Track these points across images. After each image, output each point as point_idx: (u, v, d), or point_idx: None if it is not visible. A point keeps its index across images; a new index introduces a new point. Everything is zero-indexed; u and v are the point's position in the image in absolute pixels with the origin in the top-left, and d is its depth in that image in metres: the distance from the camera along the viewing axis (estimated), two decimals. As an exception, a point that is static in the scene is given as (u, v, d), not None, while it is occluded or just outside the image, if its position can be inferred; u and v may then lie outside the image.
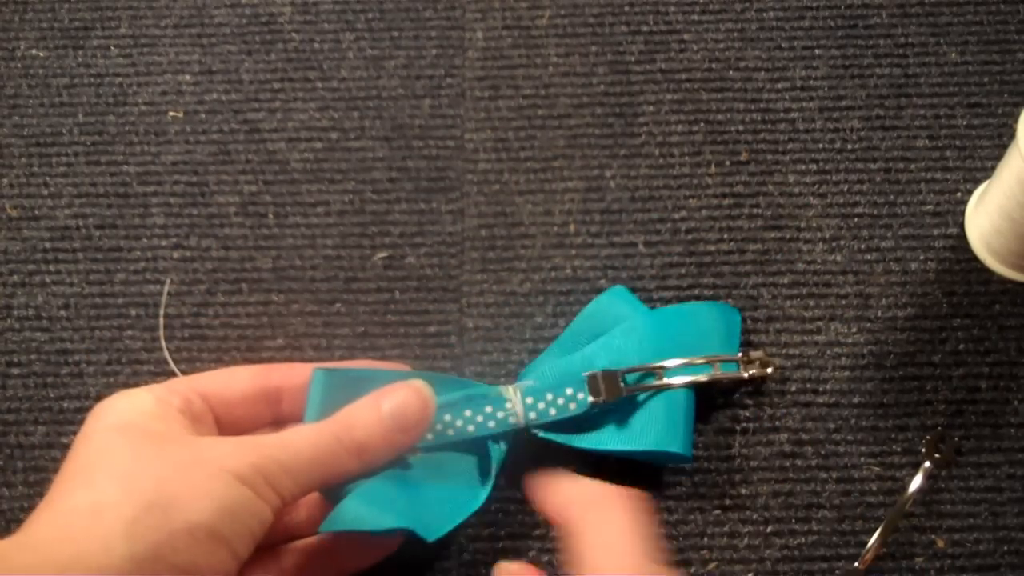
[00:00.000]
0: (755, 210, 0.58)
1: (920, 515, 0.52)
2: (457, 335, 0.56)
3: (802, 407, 0.54)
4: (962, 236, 0.57)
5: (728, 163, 0.59)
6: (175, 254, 0.58)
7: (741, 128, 0.60)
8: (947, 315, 0.56)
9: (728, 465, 0.53)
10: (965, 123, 0.60)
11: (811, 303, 0.56)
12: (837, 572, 0.51)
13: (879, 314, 0.56)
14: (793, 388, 0.54)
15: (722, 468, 0.53)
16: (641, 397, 0.49)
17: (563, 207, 0.58)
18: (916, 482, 0.52)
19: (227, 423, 0.45)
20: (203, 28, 0.63)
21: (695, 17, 0.63)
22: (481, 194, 0.59)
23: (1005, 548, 0.51)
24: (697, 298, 0.56)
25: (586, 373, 0.48)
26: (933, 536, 0.51)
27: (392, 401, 0.43)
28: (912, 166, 0.59)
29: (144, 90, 0.62)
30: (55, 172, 0.60)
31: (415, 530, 0.43)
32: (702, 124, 0.60)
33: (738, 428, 0.54)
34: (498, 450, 0.47)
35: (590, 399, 0.47)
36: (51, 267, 0.58)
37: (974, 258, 0.57)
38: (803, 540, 0.52)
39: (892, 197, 0.58)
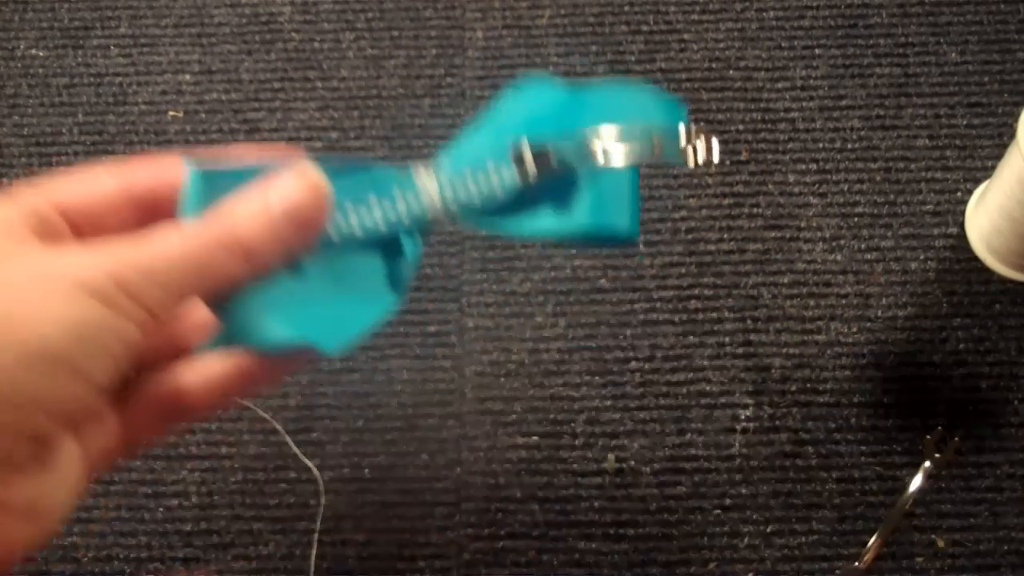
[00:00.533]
0: (755, 210, 0.58)
1: (920, 515, 0.52)
2: (457, 335, 0.56)
3: (802, 407, 0.54)
4: (962, 236, 0.57)
5: (728, 163, 0.59)
6: (175, 254, 0.58)
7: (741, 127, 0.60)
8: (947, 315, 0.56)
9: (728, 465, 0.53)
10: (965, 123, 0.60)
11: (811, 303, 0.56)
12: (837, 572, 0.51)
13: (879, 314, 0.56)
14: (793, 388, 0.54)
15: (722, 468, 0.53)
16: (577, 173, 0.42)
17: (563, 207, 0.58)
18: (916, 482, 0.52)
19: (90, 236, 0.38)
20: (203, 28, 0.63)
21: (695, 17, 0.63)
22: (481, 194, 0.59)
23: (1005, 548, 0.51)
24: (697, 297, 0.56)
25: (510, 144, 0.41)
26: (933, 536, 0.51)
27: (281, 192, 0.36)
28: (912, 166, 0.59)
29: (144, 90, 0.62)
30: (55, 172, 0.60)
31: (314, 342, 0.38)
32: (702, 124, 0.60)
33: (738, 428, 0.54)
34: (412, 245, 0.41)
35: (516, 175, 0.41)
36: (51, 267, 0.58)
37: (974, 258, 0.57)
38: (803, 540, 0.52)
39: (892, 197, 0.58)
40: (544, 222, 0.42)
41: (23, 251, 0.34)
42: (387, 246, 0.41)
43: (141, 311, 0.33)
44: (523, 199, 0.41)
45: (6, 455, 0.31)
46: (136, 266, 0.33)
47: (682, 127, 0.42)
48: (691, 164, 0.42)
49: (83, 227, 0.37)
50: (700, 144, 0.42)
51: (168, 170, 0.38)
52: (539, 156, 0.40)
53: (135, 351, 0.33)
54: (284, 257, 0.37)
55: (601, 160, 0.42)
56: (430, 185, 0.40)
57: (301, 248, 0.38)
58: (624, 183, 0.43)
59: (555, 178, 0.41)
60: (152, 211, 0.38)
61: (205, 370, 0.38)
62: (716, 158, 0.41)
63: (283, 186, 0.36)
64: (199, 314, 0.39)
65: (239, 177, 0.38)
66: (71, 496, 0.34)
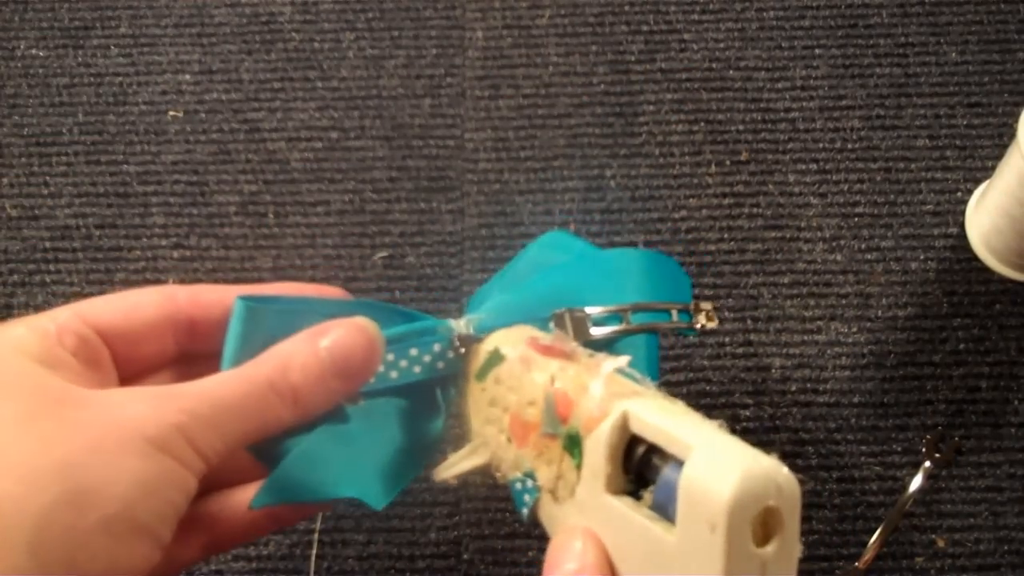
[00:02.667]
0: (755, 210, 0.58)
1: (920, 515, 0.52)
2: (457, 335, 0.56)
3: (802, 407, 0.54)
4: (962, 236, 0.57)
5: (728, 163, 0.59)
6: (175, 253, 0.58)
7: (741, 128, 0.60)
8: (947, 315, 0.55)
9: (728, 465, 0.53)
10: (965, 123, 0.60)
11: (811, 303, 0.56)
12: (837, 572, 0.51)
13: (879, 314, 0.56)
14: (793, 388, 0.54)
15: (722, 468, 0.53)
16: (605, 340, 0.43)
17: (563, 207, 0.58)
18: (916, 482, 0.52)
19: (126, 361, 0.36)
20: (203, 28, 0.63)
21: (695, 17, 0.63)
22: (481, 194, 0.59)
23: (1005, 548, 0.51)
24: (697, 297, 0.56)
25: (553, 312, 0.42)
26: (933, 536, 0.51)
27: (333, 340, 0.35)
28: (912, 166, 0.59)
29: (144, 90, 0.62)
30: (55, 172, 0.60)
31: (363, 499, 0.39)
32: (702, 124, 0.60)
33: (738, 428, 0.54)
34: (447, 396, 0.41)
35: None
36: (51, 267, 0.58)
37: (974, 258, 0.57)
38: (803, 540, 0.52)
39: (892, 197, 0.58)
40: None
41: (80, 393, 0.32)
42: (421, 391, 0.41)
43: (201, 461, 0.32)
44: None
45: None
46: (198, 415, 0.32)
47: (694, 305, 0.45)
48: (697, 327, 0.45)
49: (119, 350, 0.36)
50: (703, 313, 0.45)
51: (210, 300, 0.38)
52: (578, 326, 0.41)
53: (189, 501, 0.32)
54: (331, 405, 0.37)
55: (630, 332, 0.43)
56: (466, 338, 0.41)
57: (348, 397, 0.37)
58: (652, 352, 0.44)
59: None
60: (190, 336, 0.38)
61: (242, 503, 0.37)
62: (713, 324, 0.45)
63: (336, 334, 0.36)
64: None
65: (287, 314, 0.38)
66: None
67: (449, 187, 0.59)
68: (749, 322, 0.55)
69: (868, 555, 0.50)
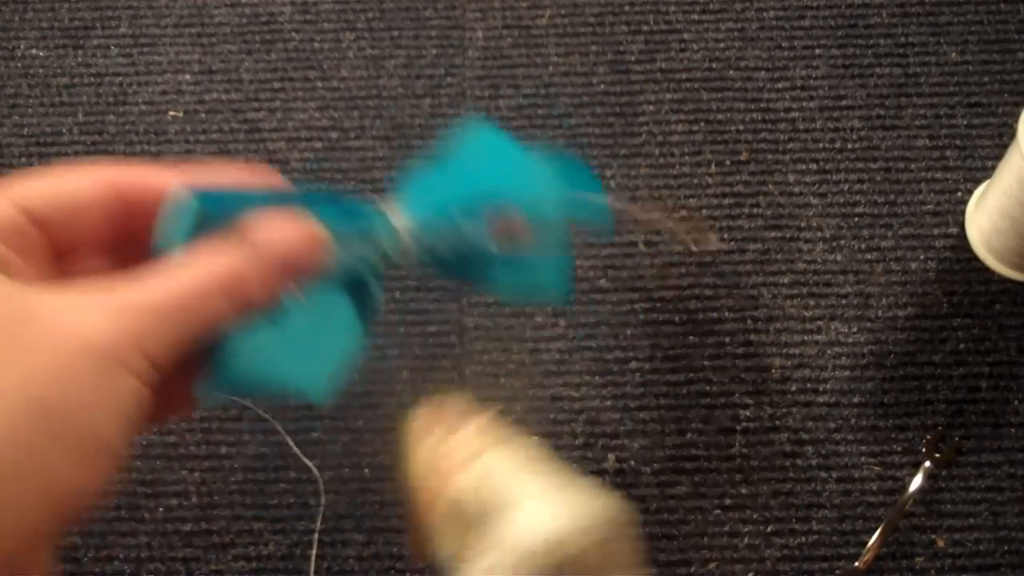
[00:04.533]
0: (755, 210, 0.58)
1: (920, 515, 0.52)
2: (457, 335, 0.56)
3: (802, 407, 0.54)
4: (962, 236, 0.57)
5: (728, 163, 0.59)
6: (175, 254, 0.58)
7: (741, 128, 0.60)
8: (947, 315, 0.55)
9: (728, 465, 0.53)
10: (965, 123, 0.60)
11: (811, 303, 0.56)
12: (837, 572, 0.51)
13: (879, 314, 0.56)
14: (793, 388, 0.54)
15: (722, 468, 0.53)
16: (533, 234, 0.43)
17: (563, 207, 0.58)
18: (916, 482, 0.52)
19: (60, 246, 0.35)
20: (203, 28, 0.63)
21: (695, 17, 0.63)
22: (481, 194, 0.59)
23: (1005, 548, 0.51)
24: (697, 298, 0.56)
25: (487, 207, 0.43)
26: (933, 536, 0.51)
27: (275, 235, 0.35)
28: (912, 166, 0.59)
29: (144, 90, 0.62)
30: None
31: (306, 394, 0.38)
32: (702, 124, 0.60)
33: (738, 428, 0.54)
34: (378, 288, 0.41)
35: (487, 234, 0.43)
36: (51, 267, 0.58)
37: (974, 258, 0.56)
38: (803, 540, 0.52)
39: (892, 197, 0.58)
40: (499, 275, 0.44)
41: (13, 294, 0.30)
42: (353, 284, 0.41)
43: (148, 365, 0.31)
44: (478, 250, 0.43)
45: (38, 537, 0.29)
46: (143, 316, 0.31)
47: (610, 199, 0.44)
48: (611, 207, 0.44)
49: (55, 236, 0.34)
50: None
51: (148, 177, 0.36)
52: (506, 227, 0.42)
53: (142, 408, 0.31)
54: (273, 301, 0.36)
55: (560, 227, 0.43)
56: (404, 229, 0.41)
57: (286, 289, 0.36)
58: (560, 249, 0.44)
59: (513, 241, 0.42)
60: (126, 219, 0.36)
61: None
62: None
63: (281, 230, 0.35)
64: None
65: (228, 202, 0.37)
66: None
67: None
68: (749, 322, 0.55)
69: (868, 555, 0.50)
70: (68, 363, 0.29)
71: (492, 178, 0.45)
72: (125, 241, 0.37)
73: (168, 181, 0.36)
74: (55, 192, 0.34)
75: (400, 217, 0.42)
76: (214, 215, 0.36)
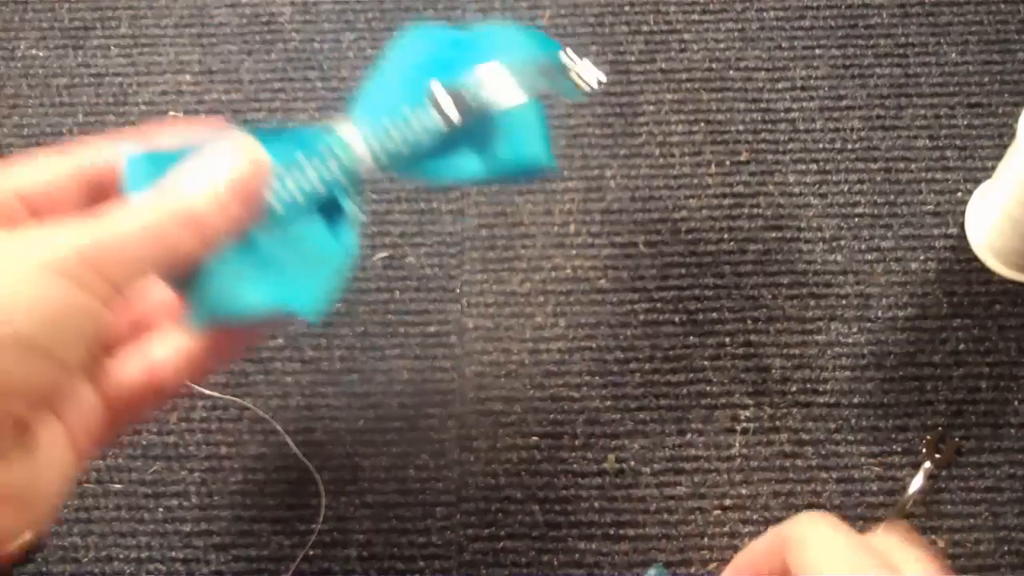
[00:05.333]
0: (755, 210, 0.58)
1: (920, 515, 0.52)
2: (457, 335, 0.56)
3: (802, 407, 0.54)
4: (962, 236, 0.57)
5: (728, 163, 0.59)
6: (175, 254, 0.58)
7: (741, 128, 0.60)
8: (947, 315, 0.55)
9: (728, 465, 0.53)
10: (965, 123, 0.60)
11: (811, 303, 0.56)
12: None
13: (879, 314, 0.56)
14: (793, 388, 0.54)
15: (722, 468, 0.53)
16: (489, 113, 0.43)
17: (563, 207, 0.58)
18: (916, 482, 0.52)
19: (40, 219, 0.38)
20: (203, 28, 0.63)
21: (695, 17, 0.63)
22: (481, 194, 0.59)
23: (1005, 548, 0.51)
24: (697, 298, 0.56)
25: (429, 89, 0.42)
26: (933, 536, 0.51)
27: (222, 164, 0.37)
28: (912, 166, 0.59)
29: (144, 90, 0.62)
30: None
31: (289, 306, 0.39)
32: (702, 124, 0.60)
33: (738, 428, 0.54)
34: (349, 201, 0.41)
35: (438, 120, 0.42)
36: (51, 267, 0.58)
37: (974, 258, 0.57)
38: (803, 540, 0.52)
39: (892, 197, 0.58)
40: (467, 165, 0.43)
41: None
42: (327, 207, 0.41)
43: (108, 287, 0.33)
44: (445, 144, 0.42)
45: None
46: (100, 242, 0.33)
47: (563, 55, 0.44)
48: (585, 89, 0.45)
49: (40, 211, 0.37)
50: (584, 70, 0.44)
51: (111, 150, 0.39)
52: (455, 98, 0.41)
53: (104, 329, 0.33)
54: (234, 228, 0.37)
55: (507, 95, 0.42)
56: (355, 138, 0.41)
57: (248, 218, 0.38)
58: (532, 117, 0.43)
59: (472, 120, 0.42)
60: (103, 193, 0.39)
61: (174, 345, 0.38)
62: (602, 77, 0.44)
63: (224, 159, 0.37)
64: (162, 294, 0.39)
65: (176, 157, 0.38)
66: (61, 480, 0.33)
67: (449, 187, 0.59)
68: (749, 322, 0.55)
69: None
70: (11, 273, 0.31)
71: (436, 62, 0.43)
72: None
73: (124, 148, 0.38)
74: (36, 173, 0.38)
75: (350, 128, 0.41)
76: (166, 167, 0.37)
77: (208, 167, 0.37)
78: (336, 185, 0.41)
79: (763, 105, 0.60)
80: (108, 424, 0.36)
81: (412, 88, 0.42)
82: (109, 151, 0.39)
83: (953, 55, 0.61)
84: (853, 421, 0.54)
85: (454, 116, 0.41)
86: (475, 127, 0.42)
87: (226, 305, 0.38)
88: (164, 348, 0.38)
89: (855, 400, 0.54)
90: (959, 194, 0.58)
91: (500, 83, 0.42)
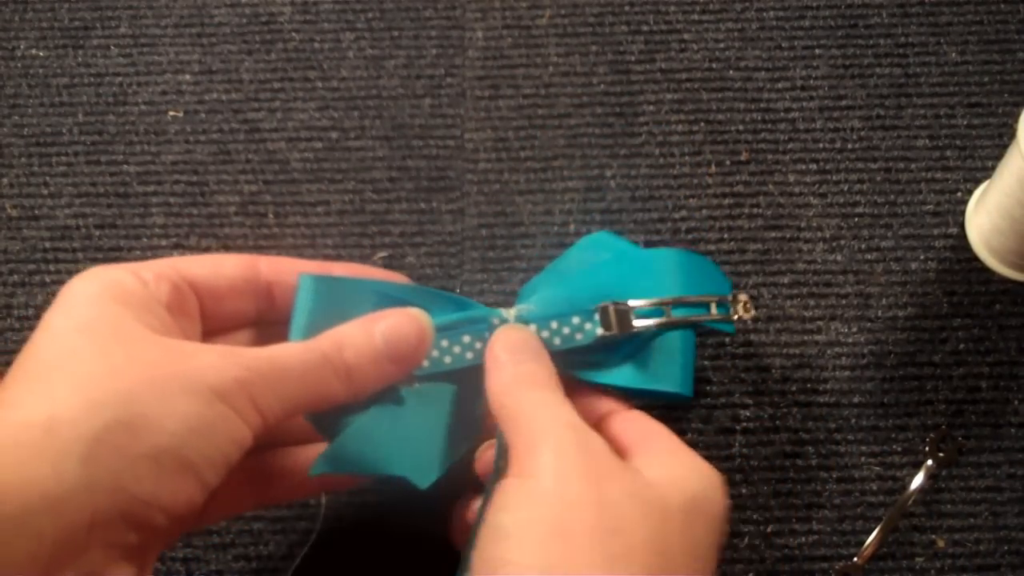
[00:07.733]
0: (755, 210, 0.58)
1: (920, 515, 0.52)
2: (457, 335, 0.56)
3: (802, 407, 0.54)
4: (962, 236, 0.57)
5: (728, 163, 0.59)
6: (175, 254, 0.58)
7: (741, 128, 0.60)
8: (947, 315, 0.55)
9: (728, 465, 0.53)
10: (965, 123, 0.60)
11: (811, 303, 0.56)
12: (837, 566, 0.51)
13: (879, 314, 0.56)
14: (793, 388, 0.54)
15: (722, 468, 0.53)
16: (646, 333, 0.46)
17: (563, 207, 0.58)
18: (917, 480, 0.52)
19: (211, 315, 0.41)
20: (203, 28, 0.63)
21: (695, 17, 0.63)
22: (481, 194, 0.59)
23: (1005, 548, 0.51)
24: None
25: (598, 305, 0.45)
26: (933, 536, 0.51)
27: (386, 326, 0.40)
28: (912, 166, 0.59)
29: (144, 90, 0.62)
30: (55, 172, 0.60)
31: (409, 478, 0.42)
32: (702, 124, 0.60)
33: (738, 428, 0.54)
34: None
35: (599, 331, 0.45)
36: (51, 267, 0.58)
37: (974, 258, 0.57)
38: (803, 540, 0.52)
39: (892, 197, 0.58)
40: (615, 373, 0.46)
41: (160, 339, 0.36)
42: (471, 377, 0.44)
43: (259, 417, 0.36)
44: (592, 348, 0.45)
45: (117, 548, 0.32)
46: (261, 374, 0.36)
47: (731, 297, 0.47)
48: (738, 325, 0.49)
49: (206, 305, 0.41)
50: (740, 305, 0.47)
51: (286, 269, 0.43)
52: (622, 319, 0.45)
53: (242, 454, 0.36)
54: (383, 385, 0.41)
55: (671, 326, 0.46)
56: (514, 322, 0.45)
57: (399, 377, 0.41)
58: (689, 347, 0.47)
59: (629, 337, 0.45)
60: (268, 300, 0.43)
61: (299, 462, 0.43)
62: (753, 313, 0.48)
63: (389, 322, 0.40)
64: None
65: (349, 295, 0.42)
66: None
67: (449, 187, 0.59)
68: (749, 322, 0.55)
69: (867, 551, 0.50)
70: (171, 387, 0.34)
71: (610, 276, 0.47)
72: (271, 322, 0.44)
73: (300, 269, 0.43)
74: (209, 265, 0.41)
75: (514, 316, 0.45)
76: (340, 301, 0.42)
77: (374, 325, 0.40)
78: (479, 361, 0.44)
79: (763, 105, 0.60)
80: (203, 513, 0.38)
81: (583, 296, 0.46)
82: (287, 266, 0.43)
83: (953, 55, 0.61)
84: (853, 421, 0.54)
85: (615, 331, 0.45)
86: (630, 342, 0.46)
87: (353, 461, 0.40)
88: (292, 459, 0.43)
89: (855, 400, 0.54)
90: (959, 194, 0.58)
91: (667, 311, 0.46)
